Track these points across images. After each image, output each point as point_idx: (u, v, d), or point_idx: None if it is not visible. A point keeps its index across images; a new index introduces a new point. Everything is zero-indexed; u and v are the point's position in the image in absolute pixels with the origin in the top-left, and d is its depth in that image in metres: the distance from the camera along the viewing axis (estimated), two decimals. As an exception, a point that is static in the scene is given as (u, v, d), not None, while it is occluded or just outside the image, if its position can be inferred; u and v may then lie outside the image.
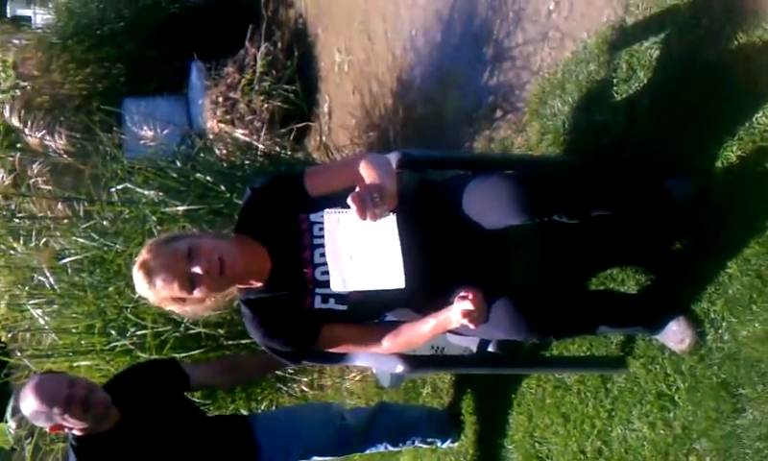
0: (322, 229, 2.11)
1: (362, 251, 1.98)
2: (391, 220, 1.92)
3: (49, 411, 2.58)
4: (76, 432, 2.67)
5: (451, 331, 2.23)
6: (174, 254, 2.04)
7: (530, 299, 2.16)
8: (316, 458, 3.20)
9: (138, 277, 2.07)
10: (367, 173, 2.06)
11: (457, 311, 2.04)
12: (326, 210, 2.01)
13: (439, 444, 3.29)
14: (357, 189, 1.86)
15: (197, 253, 2.03)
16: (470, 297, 2.03)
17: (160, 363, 3.13)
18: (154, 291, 2.06)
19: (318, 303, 2.18)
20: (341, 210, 1.96)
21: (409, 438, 3.24)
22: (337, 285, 2.04)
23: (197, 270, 2.02)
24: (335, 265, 2.03)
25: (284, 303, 2.19)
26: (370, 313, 2.26)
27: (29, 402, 2.60)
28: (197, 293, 2.05)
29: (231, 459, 2.91)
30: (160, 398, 2.87)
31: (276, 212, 2.18)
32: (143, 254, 2.08)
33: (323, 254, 2.12)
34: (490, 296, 2.08)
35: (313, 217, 2.17)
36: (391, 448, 3.29)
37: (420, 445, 3.32)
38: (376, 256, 1.96)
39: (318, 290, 2.18)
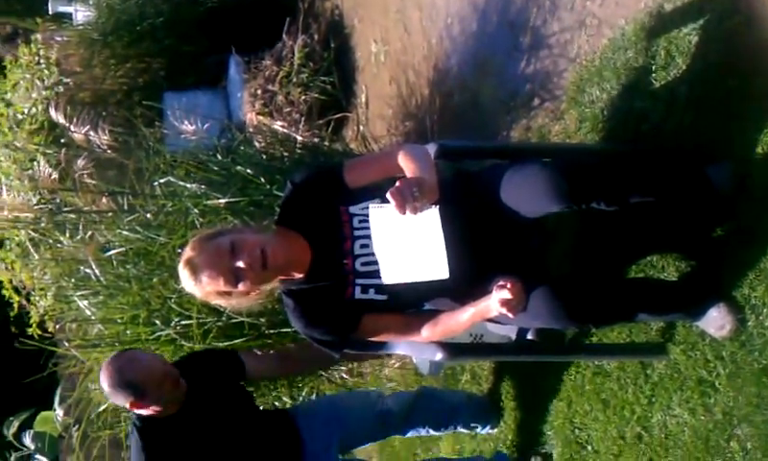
0: (362, 220, 2.15)
1: (405, 243, 2.01)
2: (433, 212, 1.94)
3: (144, 388, 2.66)
4: (145, 413, 2.72)
5: (490, 320, 2.25)
6: (217, 250, 2.10)
7: (569, 287, 2.17)
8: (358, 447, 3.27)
9: (184, 274, 2.13)
10: (406, 165, 2.09)
11: (496, 300, 2.06)
12: (371, 205, 2.05)
13: (479, 429, 3.31)
14: (397, 184, 1.89)
15: (240, 248, 2.09)
16: (509, 286, 2.04)
17: (220, 352, 3.18)
18: (200, 287, 2.13)
19: (358, 294, 2.22)
20: (384, 204, 1.99)
21: (451, 423, 3.27)
22: (387, 278, 2.09)
23: (240, 264, 2.08)
24: (384, 258, 2.08)
25: (325, 294, 2.23)
26: (409, 303, 2.28)
27: (122, 375, 2.66)
28: (241, 287, 2.10)
29: (278, 454, 2.94)
30: (220, 386, 2.92)
31: (317, 205, 2.22)
32: (187, 252, 2.14)
33: (363, 246, 2.16)
34: (528, 285, 2.10)
35: (353, 209, 2.20)
36: (433, 433, 3.33)
37: (462, 430, 3.35)
38: (420, 249, 1.99)
39: (358, 281, 2.21)
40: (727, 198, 2.28)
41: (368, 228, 2.15)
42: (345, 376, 4.03)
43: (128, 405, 2.72)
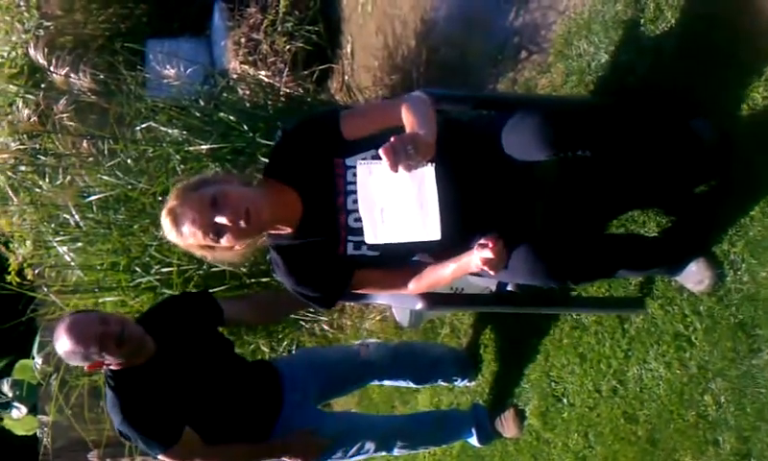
0: (356, 174, 2.07)
1: (396, 202, 1.92)
2: (429, 170, 1.85)
3: (85, 351, 2.60)
4: (113, 367, 2.69)
5: (471, 273, 2.24)
6: (200, 203, 2.03)
7: (549, 245, 2.14)
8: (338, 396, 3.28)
9: (166, 223, 2.07)
10: (406, 118, 2.00)
11: (477, 258, 2.05)
12: (359, 160, 1.96)
13: (458, 382, 3.33)
14: (391, 140, 1.81)
15: (222, 202, 2.01)
16: (490, 245, 2.02)
17: (195, 296, 3.14)
18: (181, 238, 2.08)
19: (351, 250, 2.17)
20: (373, 161, 1.91)
21: (432, 376, 3.28)
22: (369, 237, 2.01)
23: (221, 220, 2.01)
24: (368, 217, 1.99)
25: (316, 250, 2.17)
26: (399, 257, 2.24)
27: (63, 343, 2.61)
28: (223, 241, 2.04)
29: (258, 401, 2.93)
30: (195, 330, 2.88)
31: (310, 156, 2.13)
32: (171, 200, 2.08)
33: (356, 201, 2.08)
34: (510, 240, 2.08)
35: (349, 161, 2.12)
36: (412, 385, 3.34)
37: (441, 383, 3.37)
38: (411, 208, 1.91)
39: (351, 237, 2.16)
40: (711, 152, 2.28)
41: None
42: (325, 327, 4.04)
43: (85, 368, 2.72)
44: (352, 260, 2.19)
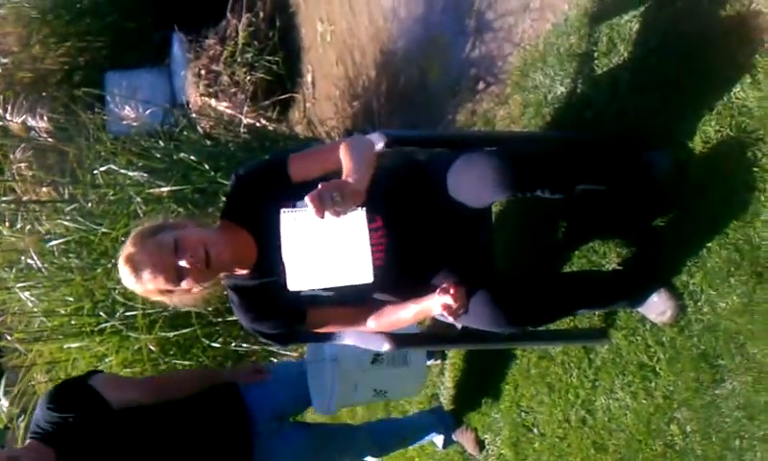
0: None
1: (324, 248, 1.93)
2: (358, 214, 1.87)
3: None
4: None
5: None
6: (159, 248, 2.04)
7: (508, 292, 2.17)
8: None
9: (125, 271, 2.07)
10: (343, 160, 2.04)
11: (438, 304, 2.06)
12: (282, 209, 1.96)
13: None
14: (319, 187, 1.83)
15: (183, 246, 2.03)
16: (451, 291, 2.04)
17: (72, 393, 2.74)
18: (140, 284, 2.07)
19: (304, 291, 2.17)
20: (297, 208, 1.93)
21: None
22: (292, 284, 1.99)
23: (183, 264, 2.02)
24: (291, 264, 1.97)
25: (270, 289, 2.19)
26: (358, 296, 2.24)
27: None
28: (184, 284, 2.05)
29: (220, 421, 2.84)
30: (88, 429, 2.64)
31: (261, 199, 2.16)
32: (128, 247, 2.08)
33: None
34: (470, 285, 2.10)
35: (299, 203, 2.11)
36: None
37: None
38: (341, 252, 1.92)
39: None
40: (666, 185, 2.31)
41: None
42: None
43: None
44: (307, 299, 2.19)
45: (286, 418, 3.08)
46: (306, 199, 1.81)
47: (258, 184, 2.18)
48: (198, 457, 2.78)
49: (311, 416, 3.45)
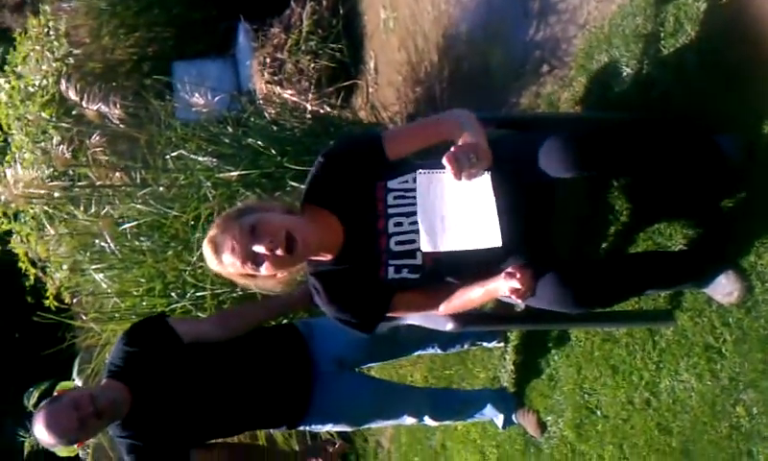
0: (397, 197, 2.08)
1: (456, 211, 1.93)
2: (486, 179, 1.87)
3: (68, 439, 2.65)
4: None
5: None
6: (239, 231, 2.02)
7: (575, 271, 2.15)
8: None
9: (207, 251, 2.08)
10: (456, 131, 2.01)
11: (505, 287, 2.06)
12: (419, 170, 1.95)
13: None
14: (452, 149, 1.82)
15: (261, 230, 2.00)
16: (518, 276, 2.03)
17: (146, 328, 2.88)
18: (222, 267, 2.08)
19: (391, 274, 2.17)
20: (434, 170, 1.92)
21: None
22: (426, 246, 2.00)
23: (259, 249, 2.00)
24: (426, 225, 1.99)
25: (356, 276, 2.16)
26: (437, 279, 2.24)
27: (45, 438, 2.61)
28: (262, 270, 2.03)
29: (285, 384, 2.91)
30: (159, 363, 2.78)
31: (351, 180, 2.12)
32: (213, 228, 2.08)
33: (397, 224, 2.10)
34: (538, 267, 2.08)
35: (391, 184, 2.12)
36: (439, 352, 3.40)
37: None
38: (472, 216, 1.91)
39: (392, 261, 2.16)
40: (735, 167, 2.29)
41: (403, 205, 2.09)
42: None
43: (75, 447, 2.74)
44: (392, 284, 2.18)
45: (347, 364, 3.10)
46: (444, 160, 1.80)
47: (349, 165, 2.13)
48: (261, 394, 2.87)
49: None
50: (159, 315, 3.01)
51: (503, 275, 2.07)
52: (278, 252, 2.00)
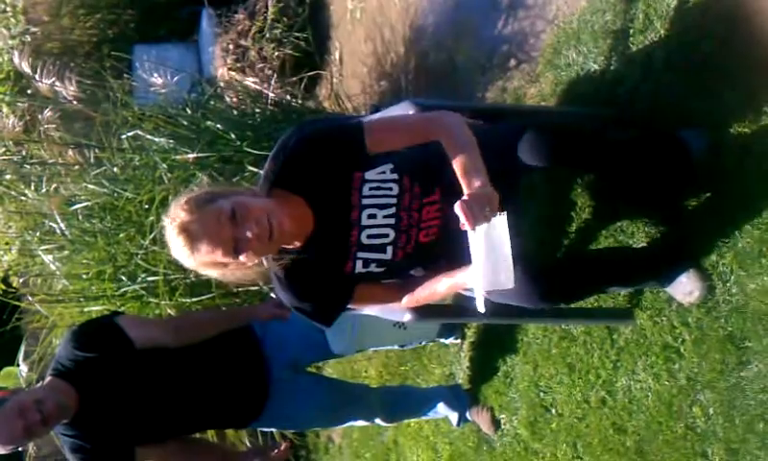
0: (372, 188, 1.99)
1: (475, 253, 1.83)
2: (501, 220, 1.78)
3: (17, 443, 2.59)
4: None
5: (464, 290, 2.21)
6: (218, 217, 1.86)
7: (539, 268, 2.12)
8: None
9: (178, 241, 1.88)
10: (448, 145, 1.91)
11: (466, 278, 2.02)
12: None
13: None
14: (465, 198, 1.75)
15: (244, 215, 1.86)
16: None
17: (96, 331, 2.79)
18: (196, 256, 1.89)
19: (359, 268, 2.08)
20: None
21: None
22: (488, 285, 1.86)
23: (247, 234, 1.86)
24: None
25: (321, 267, 2.07)
26: (402, 273, 2.19)
27: None
28: (242, 258, 1.89)
29: (239, 384, 2.88)
30: (108, 367, 2.69)
31: (328, 167, 1.99)
32: (182, 215, 1.88)
33: (370, 216, 2.02)
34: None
35: (368, 175, 2.01)
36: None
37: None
38: (488, 258, 1.81)
39: (360, 254, 2.07)
40: (700, 164, 2.27)
41: (377, 196, 2.00)
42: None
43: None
44: (357, 277, 2.11)
45: (302, 367, 3.09)
46: (456, 209, 1.74)
47: (326, 152, 2.00)
48: (215, 400, 2.83)
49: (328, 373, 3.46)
50: (110, 317, 2.87)
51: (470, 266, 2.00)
52: (264, 237, 1.87)
